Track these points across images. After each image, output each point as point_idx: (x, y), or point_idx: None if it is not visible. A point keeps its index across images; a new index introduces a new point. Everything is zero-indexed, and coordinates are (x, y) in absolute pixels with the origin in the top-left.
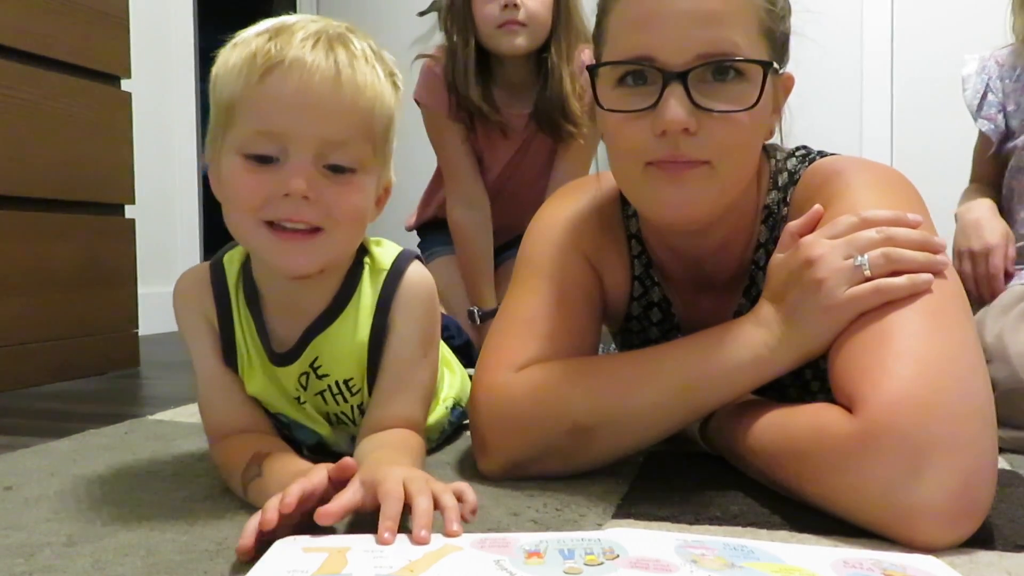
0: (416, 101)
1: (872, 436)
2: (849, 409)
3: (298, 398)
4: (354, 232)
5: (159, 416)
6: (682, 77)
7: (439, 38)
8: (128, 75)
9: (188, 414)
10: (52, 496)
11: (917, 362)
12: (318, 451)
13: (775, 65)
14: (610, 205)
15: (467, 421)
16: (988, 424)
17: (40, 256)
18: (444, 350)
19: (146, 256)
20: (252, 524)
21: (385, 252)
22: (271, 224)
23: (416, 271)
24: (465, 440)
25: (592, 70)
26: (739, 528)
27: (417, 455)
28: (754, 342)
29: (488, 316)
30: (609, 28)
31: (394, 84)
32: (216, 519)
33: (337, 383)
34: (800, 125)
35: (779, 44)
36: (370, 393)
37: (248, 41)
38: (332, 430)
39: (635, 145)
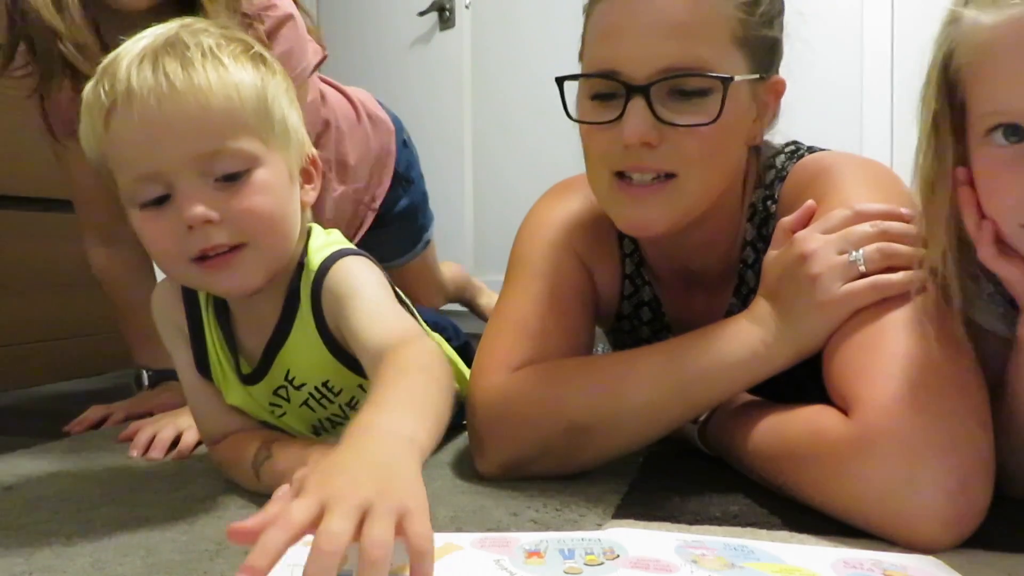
0: None
1: (868, 439)
2: (845, 411)
3: (272, 412)
4: (279, 233)
5: None
6: (644, 91)
7: (439, 38)
8: None
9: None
10: (52, 496)
11: (912, 363)
12: None
13: (758, 76)
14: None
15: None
16: (984, 423)
17: (40, 256)
18: (450, 351)
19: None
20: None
21: (320, 254)
22: (199, 258)
23: (339, 268)
24: (465, 440)
25: (561, 81)
26: (739, 528)
27: (436, 381)
28: (750, 339)
29: (164, 377)
30: (585, 39)
31: (255, 59)
32: (216, 519)
33: (317, 388)
34: (799, 126)
35: (762, 51)
36: (367, 377)
37: (86, 93)
38: (321, 438)
39: (603, 154)
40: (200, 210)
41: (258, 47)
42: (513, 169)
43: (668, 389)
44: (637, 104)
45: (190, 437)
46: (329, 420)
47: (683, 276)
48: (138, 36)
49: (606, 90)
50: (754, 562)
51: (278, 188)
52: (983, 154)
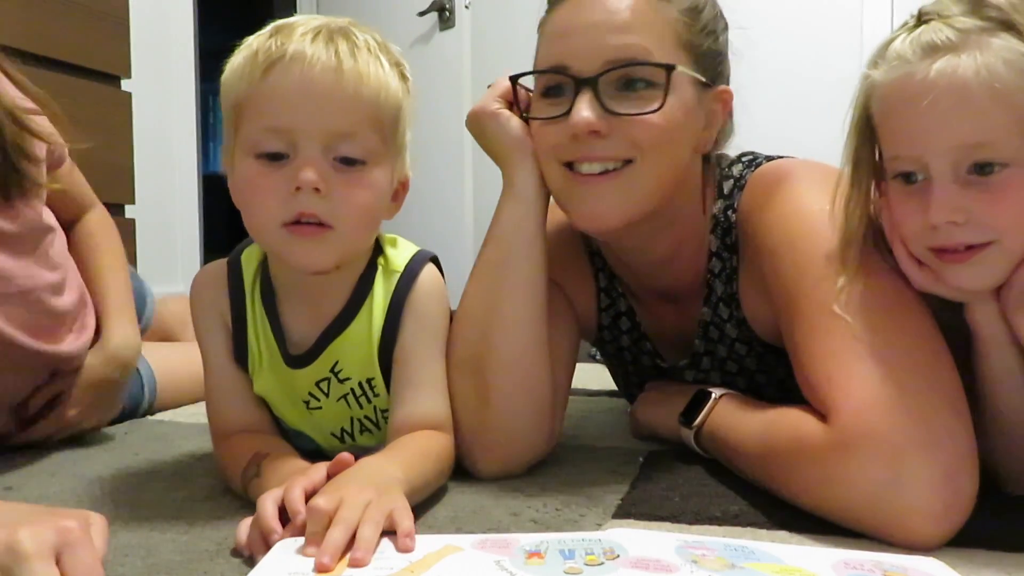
0: None
1: (848, 444)
2: (824, 416)
3: (307, 403)
4: (365, 229)
5: (159, 416)
6: (592, 83)
7: (439, 38)
8: (128, 75)
9: (188, 414)
10: (52, 496)
11: (881, 362)
12: (316, 457)
13: (703, 80)
14: (571, 223)
15: None
16: (960, 413)
17: None
18: None
19: (146, 256)
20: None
21: (399, 254)
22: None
23: (429, 273)
24: None
25: (514, 80)
26: (739, 528)
27: (434, 458)
28: (505, 199)
29: None
30: (539, 47)
31: (401, 75)
32: (216, 519)
33: (360, 384)
34: (799, 127)
35: (706, 59)
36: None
37: (250, 43)
38: (346, 446)
39: (552, 146)
40: (313, 176)
41: (405, 66)
42: None
43: (480, 277)
44: (586, 96)
45: None
46: (360, 423)
47: (652, 289)
48: (316, 17)
49: (555, 83)
50: (754, 562)
51: (380, 191)
52: (893, 188)
